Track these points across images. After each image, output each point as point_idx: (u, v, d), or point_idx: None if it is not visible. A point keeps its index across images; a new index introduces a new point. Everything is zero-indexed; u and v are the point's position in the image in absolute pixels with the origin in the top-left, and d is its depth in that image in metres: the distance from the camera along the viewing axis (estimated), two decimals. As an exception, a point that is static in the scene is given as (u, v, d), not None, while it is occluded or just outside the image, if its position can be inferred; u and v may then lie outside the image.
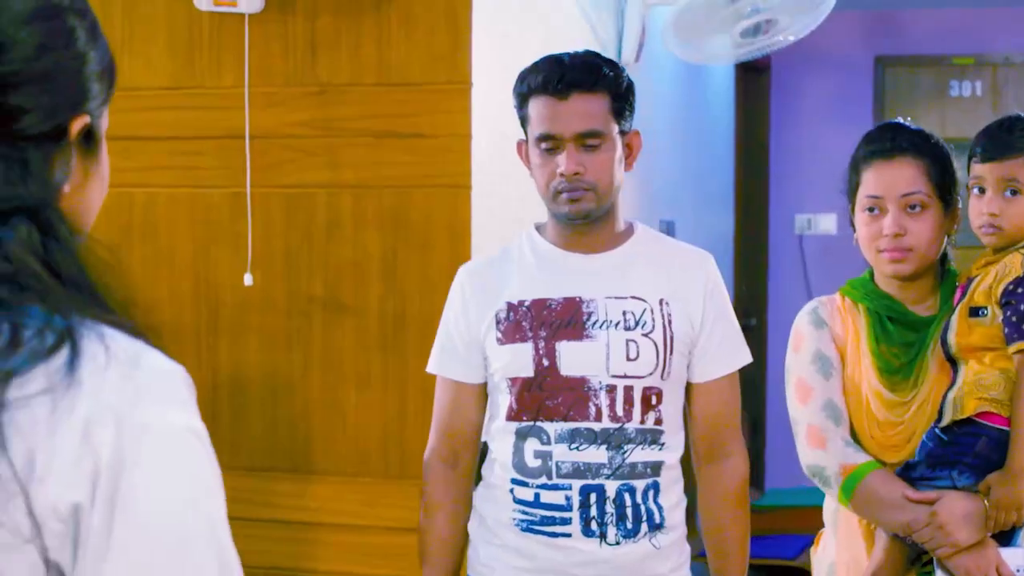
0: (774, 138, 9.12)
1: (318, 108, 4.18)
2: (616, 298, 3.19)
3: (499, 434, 3.25)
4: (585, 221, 3.18)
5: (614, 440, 3.14)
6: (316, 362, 4.21)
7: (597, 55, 3.25)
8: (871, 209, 3.23)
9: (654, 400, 3.18)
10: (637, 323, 3.17)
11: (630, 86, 3.22)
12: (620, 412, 3.15)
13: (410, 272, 4.11)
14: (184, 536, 1.33)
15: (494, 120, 4.14)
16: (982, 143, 3.18)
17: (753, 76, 8.86)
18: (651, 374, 3.16)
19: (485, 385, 3.30)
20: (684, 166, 7.24)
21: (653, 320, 3.18)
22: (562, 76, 3.13)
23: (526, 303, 3.20)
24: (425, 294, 4.10)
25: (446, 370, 3.33)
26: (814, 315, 3.33)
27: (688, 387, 3.28)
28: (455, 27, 4.05)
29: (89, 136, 1.47)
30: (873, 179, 3.24)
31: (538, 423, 3.17)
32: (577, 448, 3.14)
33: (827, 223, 8.85)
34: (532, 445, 3.18)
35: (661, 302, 3.20)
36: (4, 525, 1.26)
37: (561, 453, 3.14)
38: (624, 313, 3.17)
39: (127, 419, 1.31)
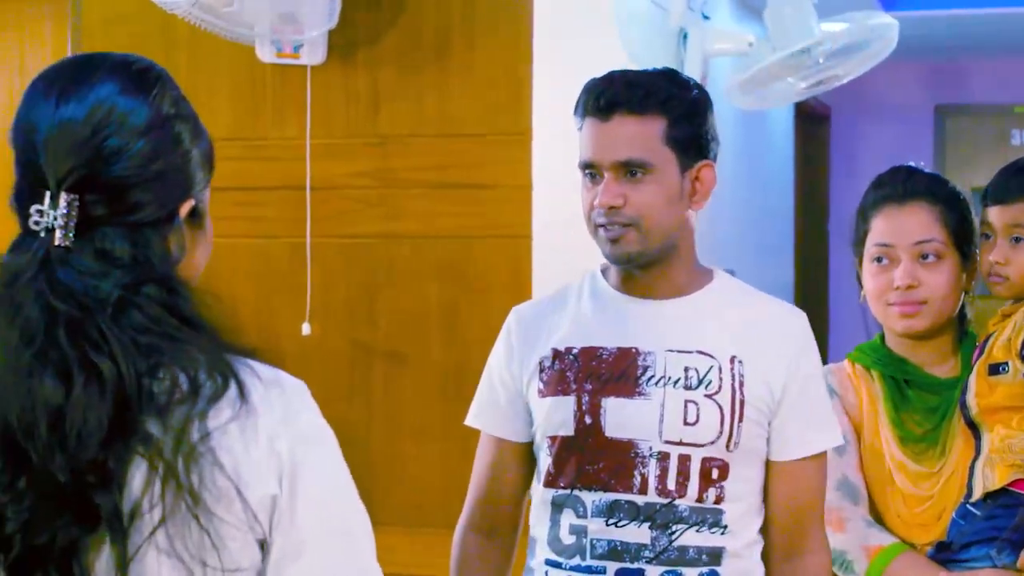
0: (834, 187, 9.10)
1: (379, 159, 4.20)
2: (678, 352, 2.67)
3: (537, 505, 2.78)
4: (632, 265, 2.70)
5: (660, 518, 2.62)
6: (376, 413, 4.21)
7: (669, 72, 2.76)
8: (880, 259, 2.98)
9: (716, 474, 2.64)
10: (700, 382, 2.65)
11: (698, 109, 2.70)
12: (671, 485, 2.62)
13: (470, 323, 4.12)
14: (341, 497, 1.81)
15: (554, 170, 4.15)
16: (990, 186, 2.96)
17: (813, 125, 8.85)
18: (713, 442, 2.63)
19: (530, 445, 2.83)
20: (745, 215, 7.22)
21: (720, 380, 2.65)
22: (605, 93, 2.67)
23: (574, 351, 2.72)
24: (485, 345, 4.07)
25: (486, 424, 2.89)
26: (825, 384, 2.89)
27: (766, 466, 2.73)
28: (515, 78, 4.07)
29: (195, 212, 1.80)
30: (883, 226, 2.99)
31: (575, 492, 2.68)
32: (615, 524, 2.64)
33: (888, 272, 8.80)
34: (568, 518, 2.69)
35: (733, 360, 2.66)
36: (231, 520, 1.67)
37: (597, 529, 2.65)
38: (686, 370, 2.66)
39: (293, 428, 1.75)
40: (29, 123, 1.74)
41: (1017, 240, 2.89)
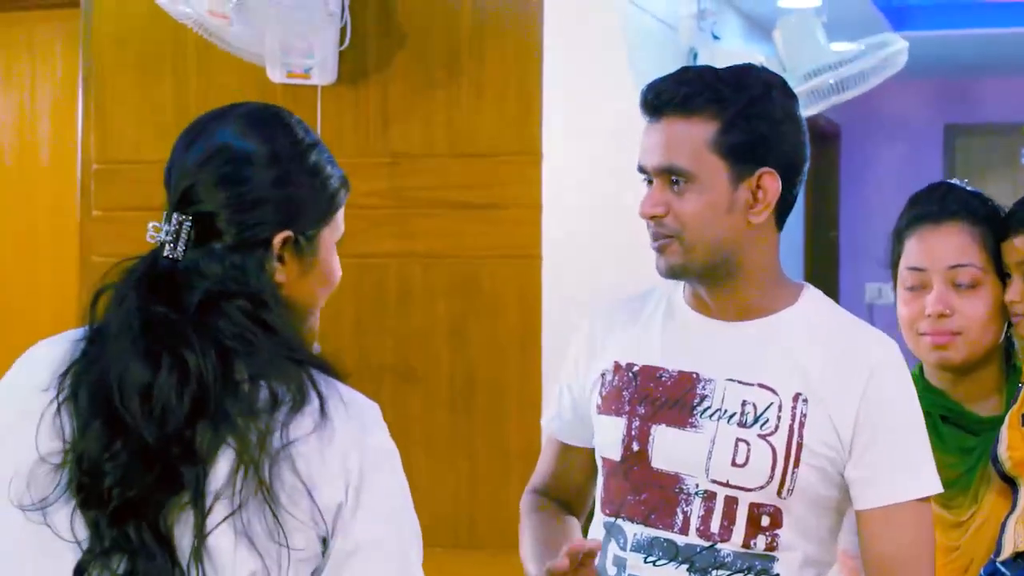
0: (844, 205, 9.10)
1: (389, 178, 4.20)
2: (739, 383, 2.43)
3: (593, 526, 2.60)
4: (680, 278, 2.50)
5: (700, 562, 2.41)
6: (386, 431, 4.21)
7: (740, 68, 2.49)
8: (912, 285, 2.73)
9: (766, 521, 2.40)
10: (756, 420, 2.41)
11: (760, 111, 2.42)
12: (714, 528, 2.40)
13: (480, 342, 4.12)
14: (397, 514, 2.03)
15: (565, 190, 4.16)
16: (1017, 212, 2.72)
17: (823, 143, 8.85)
18: (762, 487, 2.39)
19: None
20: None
21: (779, 419, 2.40)
22: (656, 91, 2.44)
23: (635, 368, 2.52)
24: (494, 364, 4.10)
25: (552, 427, 2.73)
26: None
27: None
28: (526, 98, 4.07)
29: (298, 243, 2.06)
30: (916, 248, 2.72)
31: (619, 521, 2.50)
32: (653, 562, 2.44)
33: (898, 292, 8.80)
34: (612, 548, 2.50)
35: (796, 398, 2.40)
36: (300, 516, 1.91)
37: (635, 565, 2.46)
38: (744, 404, 2.42)
39: (364, 445, 2.00)
40: (168, 164, 2.07)
41: None
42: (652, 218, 2.42)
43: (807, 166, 2.53)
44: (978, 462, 2.68)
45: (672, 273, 2.46)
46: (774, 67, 5.31)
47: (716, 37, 5.64)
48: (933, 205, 2.75)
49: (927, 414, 2.53)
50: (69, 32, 4.85)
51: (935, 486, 2.43)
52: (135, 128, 4.40)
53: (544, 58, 4.07)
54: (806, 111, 5.18)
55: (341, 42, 4.18)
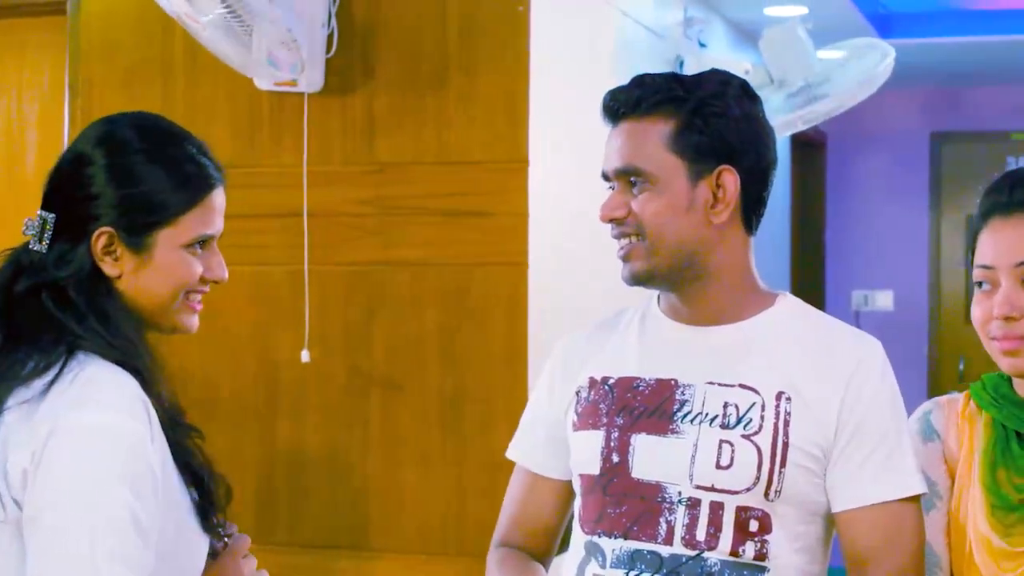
0: (830, 213, 9.11)
1: (377, 187, 4.20)
2: (720, 385, 2.37)
3: (571, 550, 2.50)
4: (648, 285, 2.45)
5: (686, 573, 2.31)
6: (375, 439, 4.21)
7: (705, 72, 2.48)
8: (981, 283, 2.40)
9: (754, 526, 2.31)
10: (739, 420, 2.34)
11: (716, 109, 2.39)
12: (700, 536, 2.31)
13: (468, 350, 4.12)
14: (79, 488, 2.01)
15: (552, 198, 4.16)
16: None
17: (809, 151, 8.86)
18: (748, 490, 2.31)
19: (570, 484, 2.55)
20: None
21: (762, 419, 2.33)
22: (612, 97, 2.46)
23: (611, 380, 2.46)
24: (483, 372, 4.10)
25: (521, 455, 2.64)
26: (924, 423, 2.50)
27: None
28: (513, 107, 4.08)
29: (129, 242, 2.18)
30: (986, 243, 2.40)
31: (595, 538, 2.40)
32: None
33: (884, 300, 8.81)
34: (591, 568, 2.40)
35: (779, 396, 2.34)
36: None
37: None
38: (725, 406, 2.36)
39: (65, 418, 2.04)
40: None
41: None
42: (612, 220, 2.41)
43: (773, 167, 2.47)
44: None
45: (637, 279, 2.41)
46: (760, 75, 5.32)
47: (703, 45, 5.65)
48: (1003, 194, 2.41)
49: (1001, 427, 2.37)
50: (56, 40, 4.84)
51: (912, 486, 2.35)
52: (122, 136, 4.39)
53: (531, 66, 4.08)
54: (793, 130, 5.18)
55: (328, 50, 4.18)
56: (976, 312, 2.39)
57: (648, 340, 2.49)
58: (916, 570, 2.36)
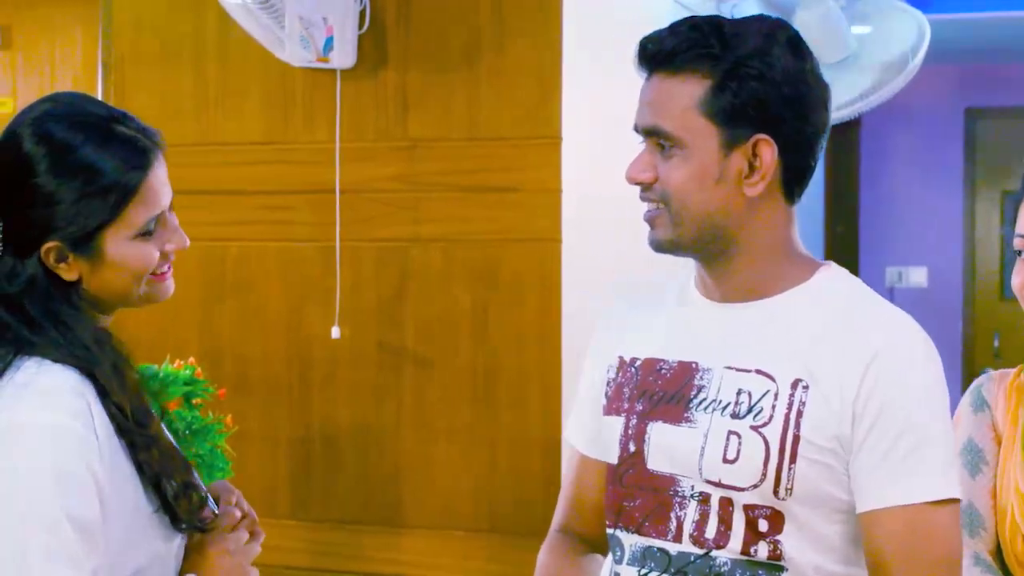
0: (864, 191, 9.07)
1: (408, 163, 4.20)
2: (736, 370, 2.17)
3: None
4: (672, 254, 2.23)
5: (693, 572, 2.14)
6: (406, 416, 4.21)
7: (750, 19, 2.20)
8: (1020, 252, 2.41)
9: (764, 526, 2.11)
10: (750, 410, 2.13)
11: (757, 69, 2.12)
12: (709, 533, 2.13)
13: (499, 326, 4.12)
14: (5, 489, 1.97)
15: (584, 173, 4.15)
16: None
17: (842, 129, 8.82)
18: (754, 486, 2.10)
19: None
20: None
21: (773, 408, 2.10)
22: (647, 44, 2.18)
23: (638, 362, 2.27)
24: (514, 348, 4.10)
25: (571, 435, 2.44)
26: (976, 394, 2.51)
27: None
28: (544, 82, 4.06)
29: (81, 249, 2.12)
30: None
31: (616, 532, 2.25)
32: None
33: (918, 276, 8.77)
34: (610, 563, 2.29)
35: (795, 384, 2.11)
36: None
37: None
38: (739, 393, 2.14)
39: None
40: None
41: None
42: (638, 183, 2.19)
43: (822, 133, 2.26)
44: None
45: (660, 247, 2.20)
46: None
47: (736, 20, 5.62)
48: None
49: None
50: (89, 17, 4.85)
51: (946, 489, 2.07)
52: (155, 113, 4.40)
53: (563, 40, 4.06)
54: (851, 116, 5.13)
55: (360, 26, 4.18)
56: (1016, 280, 2.39)
57: (677, 318, 2.28)
58: None
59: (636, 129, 2.20)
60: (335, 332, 4.21)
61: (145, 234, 2.16)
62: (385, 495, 4.23)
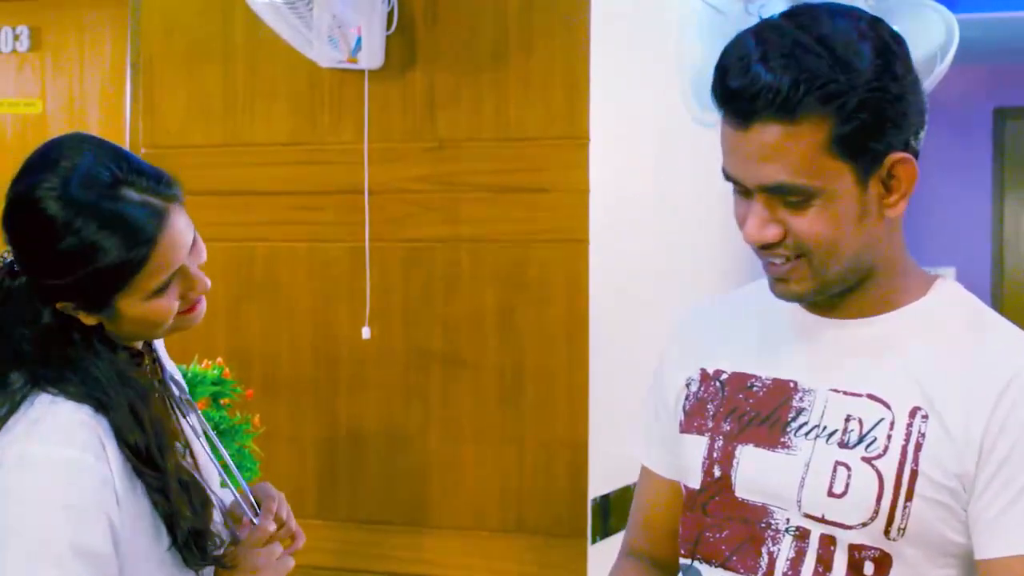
0: (892, 190, 9.05)
1: (436, 163, 4.20)
2: (844, 394, 1.97)
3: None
4: (812, 300, 2.03)
5: None
6: (434, 416, 4.22)
7: (846, 34, 1.88)
8: None
9: (870, 568, 1.91)
10: (861, 439, 1.93)
11: (881, 89, 1.87)
12: (806, 573, 1.95)
13: (527, 327, 4.11)
14: (17, 521, 1.98)
15: (612, 174, 4.15)
16: None
17: (871, 129, 8.81)
18: (864, 525, 1.91)
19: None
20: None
21: (889, 439, 1.91)
22: (741, 92, 1.87)
23: (724, 376, 2.10)
24: (542, 349, 4.10)
25: (641, 452, 2.29)
26: None
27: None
28: (573, 82, 4.06)
29: (94, 309, 2.13)
30: None
31: (695, 563, 2.08)
32: None
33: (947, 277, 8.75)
34: None
35: (914, 413, 1.92)
36: None
37: None
38: (847, 420, 1.95)
39: (7, 451, 2.02)
40: None
41: None
42: (767, 245, 1.94)
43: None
44: None
45: (800, 299, 2.01)
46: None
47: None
48: None
49: None
50: (118, 18, 4.87)
51: None
52: (183, 114, 4.41)
53: (592, 41, 4.06)
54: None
55: (388, 26, 4.18)
56: None
57: (772, 330, 2.09)
58: None
59: (734, 180, 1.96)
60: (366, 332, 4.21)
61: (161, 290, 2.15)
62: (412, 495, 4.23)
